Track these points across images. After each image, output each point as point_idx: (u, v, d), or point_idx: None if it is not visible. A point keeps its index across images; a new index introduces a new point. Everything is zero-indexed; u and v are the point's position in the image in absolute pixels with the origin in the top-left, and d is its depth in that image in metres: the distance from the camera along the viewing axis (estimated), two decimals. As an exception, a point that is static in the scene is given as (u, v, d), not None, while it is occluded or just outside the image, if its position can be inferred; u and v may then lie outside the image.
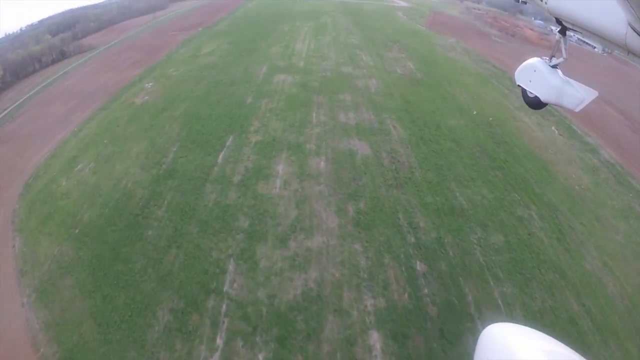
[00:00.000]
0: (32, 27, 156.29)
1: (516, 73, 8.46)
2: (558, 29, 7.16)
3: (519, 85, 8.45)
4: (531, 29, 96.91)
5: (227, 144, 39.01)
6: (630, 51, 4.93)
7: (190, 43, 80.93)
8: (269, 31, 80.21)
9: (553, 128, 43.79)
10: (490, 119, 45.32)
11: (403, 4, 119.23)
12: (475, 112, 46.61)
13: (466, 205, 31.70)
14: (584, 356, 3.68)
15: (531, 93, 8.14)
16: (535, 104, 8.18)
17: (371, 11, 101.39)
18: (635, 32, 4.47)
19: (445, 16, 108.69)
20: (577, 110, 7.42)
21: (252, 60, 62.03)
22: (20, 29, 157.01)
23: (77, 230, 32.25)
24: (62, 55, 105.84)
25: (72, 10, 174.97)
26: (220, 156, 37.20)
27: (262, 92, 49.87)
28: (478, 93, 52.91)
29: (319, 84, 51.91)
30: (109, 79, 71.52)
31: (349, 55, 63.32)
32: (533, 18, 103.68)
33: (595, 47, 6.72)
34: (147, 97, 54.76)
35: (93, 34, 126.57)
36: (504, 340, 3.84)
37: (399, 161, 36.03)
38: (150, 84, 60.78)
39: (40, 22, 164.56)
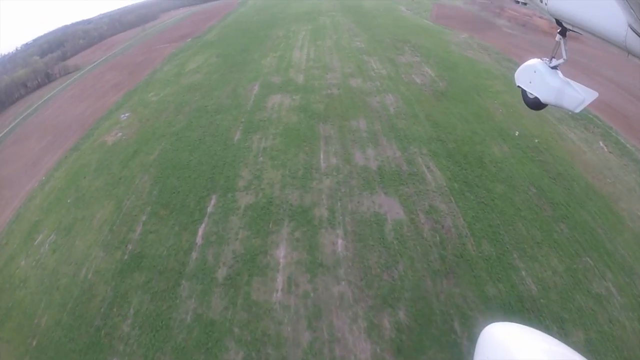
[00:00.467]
0: (26, 47, 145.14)
1: (516, 74, 8.03)
2: (558, 30, 6.67)
3: (518, 86, 8.00)
4: (540, 17, 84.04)
5: (209, 209, 27.48)
6: (630, 52, 4.61)
7: (176, 58, 69.30)
8: (262, 38, 67.85)
9: (601, 144, 32.12)
10: (536, 140, 33.45)
11: None
12: (517, 133, 34.87)
13: (536, 291, 20.27)
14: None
15: (531, 94, 7.73)
16: (536, 104, 7.78)
17: (372, 8, 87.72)
18: (635, 33, 4.20)
19: (449, 8, 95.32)
20: (577, 111, 6.92)
21: (243, 77, 50.03)
22: (16, 49, 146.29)
23: (34, 342, 21.80)
24: (48, 78, 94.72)
25: (65, 27, 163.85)
26: (200, 232, 25.70)
27: (253, 122, 37.88)
28: (512, 103, 40.88)
29: (324, 106, 39.66)
30: (87, 107, 60.54)
31: (356, 64, 50.92)
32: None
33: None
34: (120, 134, 43.65)
35: (82, 52, 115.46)
36: (504, 340, 3.55)
37: (443, 227, 24.18)
38: (127, 114, 49.58)
39: (35, 40, 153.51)
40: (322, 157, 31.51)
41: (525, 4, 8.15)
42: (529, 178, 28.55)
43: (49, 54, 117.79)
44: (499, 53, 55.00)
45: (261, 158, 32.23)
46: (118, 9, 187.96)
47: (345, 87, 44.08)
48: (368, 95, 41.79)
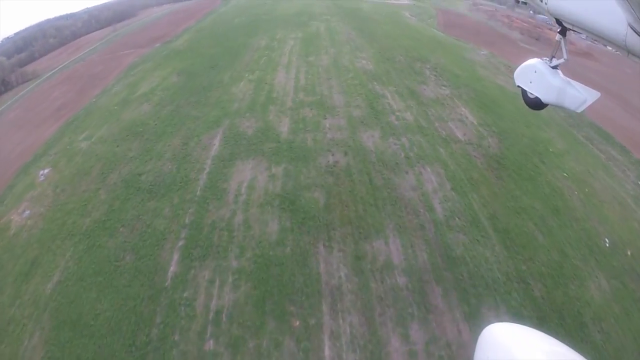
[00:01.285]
0: (6, 41, 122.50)
1: (516, 73, 7.18)
2: (558, 30, 6.02)
3: (518, 86, 7.16)
4: (550, 29, 67.52)
5: None
6: (630, 52, 4.20)
7: (134, 72, 50.11)
8: (239, 49, 48.72)
9: None
10: (629, 252, 19.09)
11: (402, 1, 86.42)
12: (607, 243, 19.72)
13: None
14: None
15: (532, 94, 6.88)
16: (536, 104, 6.93)
17: (373, 12, 68.08)
18: (635, 32, 3.84)
19: (455, 15, 76.58)
20: (578, 111, 6.15)
21: (201, 117, 31.89)
22: None
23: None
24: (5, 87, 75.22)
25: (48, 21, 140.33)
26: None
27: (201, 233, 20.00)
28: (581, 174, 25.20)
29: (323, 197, 21.79)
30: (20, 141, 41.93)
31: (366, 98, 32.80)
32: (531, 12, 74.66)
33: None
34: (27, 213, 25.98)
35: (50, 53, 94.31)
36: (504, 340, 3.20)
37: None
38: (46, 171, 31.55)
39: (16, 34, 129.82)
40: (327, 352, 14.58)
41: (525, 3, 6.94)
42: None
43: (16, 55, 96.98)
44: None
45: (211, 341, 15.26)
46: (103, 4, 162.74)
47: (356, 149, 26.05)
48: (394, 170, 23.92)
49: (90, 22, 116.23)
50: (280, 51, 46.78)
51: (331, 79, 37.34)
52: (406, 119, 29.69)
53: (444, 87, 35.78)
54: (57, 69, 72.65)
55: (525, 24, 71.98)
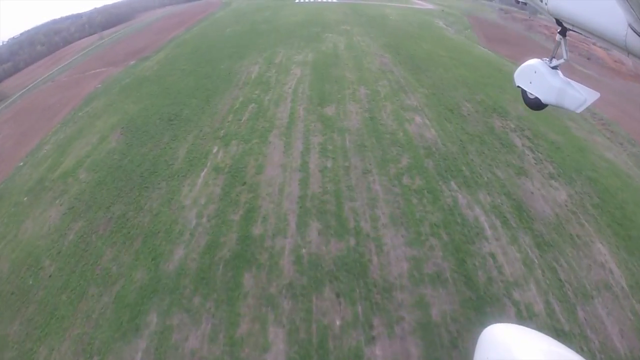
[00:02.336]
0: (12, 41, 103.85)
1: (516, 74, 6.25)
2: (558, 30, 5.32)
3: (518, 87, 6.28)
4: (594, 43, 47.09)
5: None
6: (630, 52, 3.71)
7: (81, 112, 31.93)
8: (218, 82, 29.36)
9: None
10: None
11: (426, 5, 65.18)
12: None
13: None
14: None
15: (531, 94, 6.05)
16: (536, 105, 6.10)
17: (402, 20, 46.52)
18: (635, 32, 3.38)
19: (490, 25, 54.59)
20: (578, 111, 5.38)
21: (120, 276, 14.74)
22: (2, 42, 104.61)
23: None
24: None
25: (54, 22, 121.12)
26: None
27: None
28: None
29: None
30: None
31: (444, 239, 14.41)
32: (528, 13, 54.42)
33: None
34: None
35: (34, 64, 76.19)
36: (504, 341, 2.84)
37: None
38: None
39: (21, 34, 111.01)
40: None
41: (525, 3, 5.77)
42: None
43: (2, 65, 78.64)
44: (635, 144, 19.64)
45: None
46: (112, 4, 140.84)
47: None
48: None
49: (84, 26, 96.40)
50: (278, 91, 27.26)
51: (370, 174, 17.97)
52: (534, 310, 11.11)
53: (554, 183, 17.00)
54: (19, 93, 54.10)
55: (568, 38, 51.11)
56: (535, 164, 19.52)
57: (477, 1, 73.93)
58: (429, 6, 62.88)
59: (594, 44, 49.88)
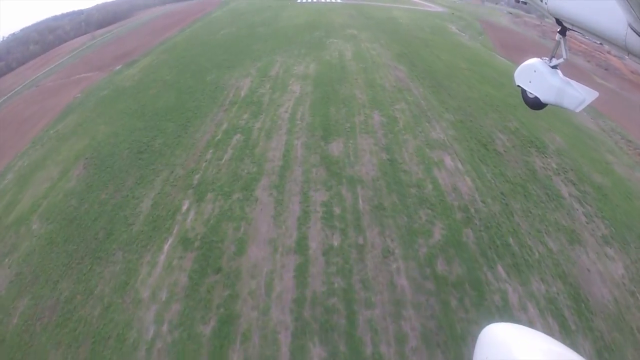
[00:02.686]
0: (12, 38, 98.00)
1: (516, 73, 5.90)
2: (558, 30, 5.03)
3: (518, 86, 5.88)
4: (608, 52, 42.96)
5: None
6: (630, 52, 3.53)
7: (54, 129, 26.57)
8: (202, 99, 23.78)
9: None
10: None
11: (434, 7, 58.98)
12: None
13: None
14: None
15: (531, 93, 5.70)
16: (535, 104, 5.74)
17: (413, 25, 40.40)
18: (635, 32, 3.24)
19: (503, 31, 48.38)
20: (577, 110, 5.08)
21: None
22: (2, 38, 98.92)
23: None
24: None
25: (55, 17, 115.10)
26: None
27: None
28: None
29: None
30: None
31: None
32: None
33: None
34: None
35: (25, 64, 70.64)
36: (504, 340, 2.67)
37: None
38: None
39: (22, 30, 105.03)
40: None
41: (525, 3, 5.58)
42: None
43: (-3, 63, 73.05)
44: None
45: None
46: (112, 1, 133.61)
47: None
48: None
49: (80, 24, 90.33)
50: (271, 116, 21.61)
51: (393, 257, 12.26)
52: None
53: (609, 251, 12.40)
54: (3, 99, 48.80)
55: (583, 45, 45.92)
56: (587, 223, 14.25)
57: (483, 3, 68.09)
58: (438, 8, 56.69)
59: (608, 52, 44.71)
